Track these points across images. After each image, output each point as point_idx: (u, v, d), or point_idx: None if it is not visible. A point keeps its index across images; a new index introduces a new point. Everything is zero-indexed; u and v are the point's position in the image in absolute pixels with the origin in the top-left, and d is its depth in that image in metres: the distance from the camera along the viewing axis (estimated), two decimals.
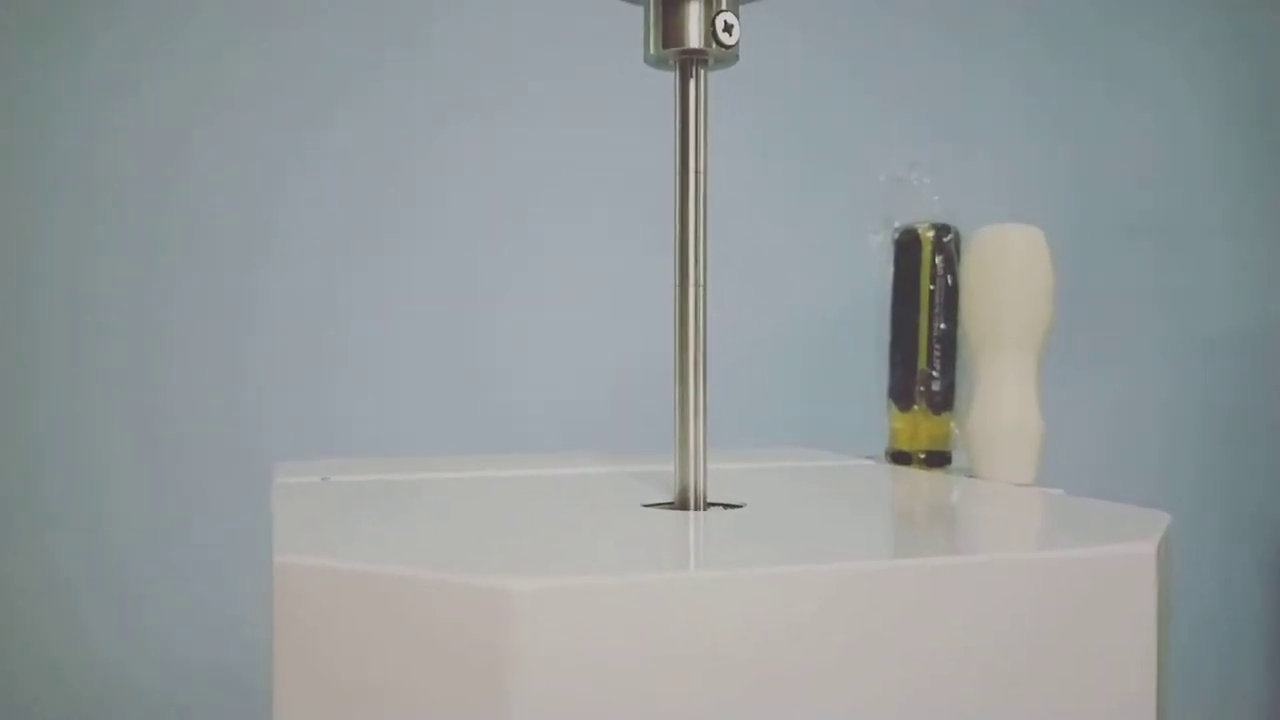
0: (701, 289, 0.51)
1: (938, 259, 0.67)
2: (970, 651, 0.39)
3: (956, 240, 0.67)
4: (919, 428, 0.68)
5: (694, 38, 0.50)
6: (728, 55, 0.51)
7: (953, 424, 0.67)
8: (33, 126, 0.96)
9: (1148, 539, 0.42)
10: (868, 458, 0.72)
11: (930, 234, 0.67)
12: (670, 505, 0.51)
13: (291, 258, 1.02)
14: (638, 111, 0.99)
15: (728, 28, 0.50)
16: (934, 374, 0.67)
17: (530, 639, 0.35)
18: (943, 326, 0.67)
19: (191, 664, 0.99)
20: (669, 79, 0.52)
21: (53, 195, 0.97)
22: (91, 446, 0.98)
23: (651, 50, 0.51)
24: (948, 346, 0.67)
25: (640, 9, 0.51)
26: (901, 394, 0.69)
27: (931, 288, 0.67)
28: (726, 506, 0.51)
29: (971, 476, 0.63)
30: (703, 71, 0.51)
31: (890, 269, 0.69)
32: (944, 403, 0.67)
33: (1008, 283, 0.62)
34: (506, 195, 1.07)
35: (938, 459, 0.68)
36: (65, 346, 0.97)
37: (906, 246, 0.68)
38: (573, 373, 1.09)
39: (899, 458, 0.69)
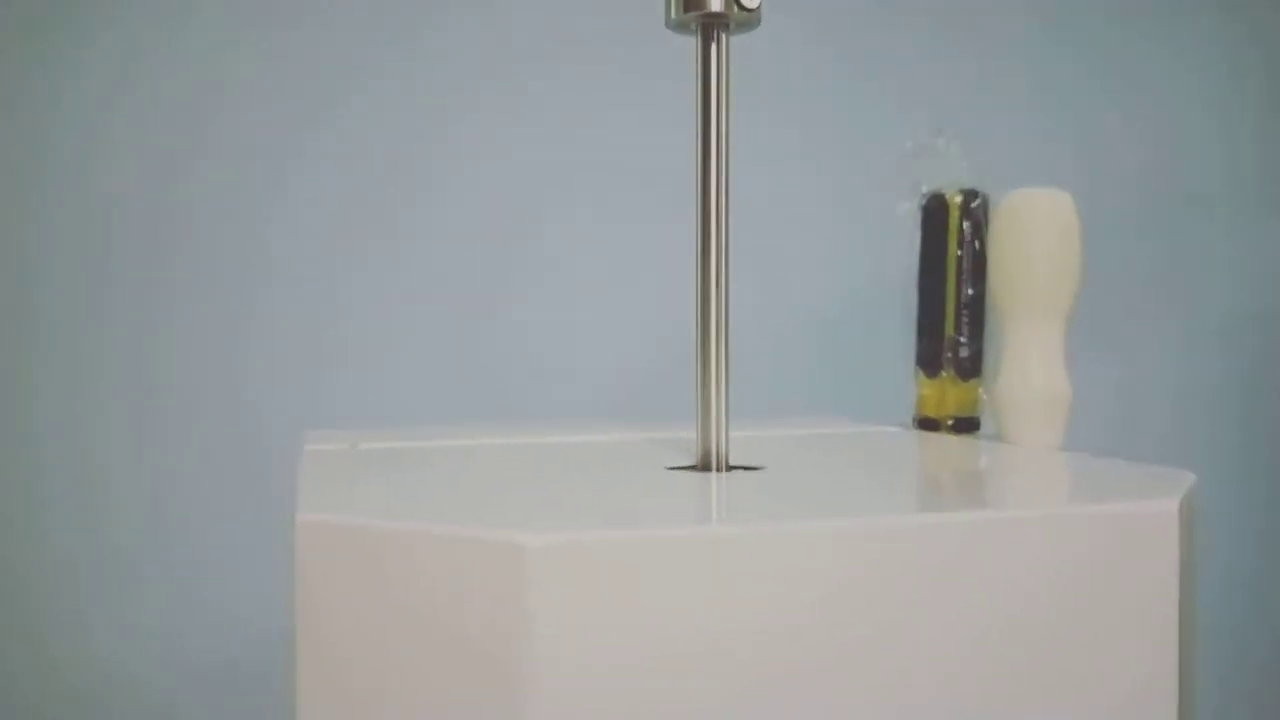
0: (724, 253, 0.51)
1: (965, 224, 0.67)
2: (996, 607, 0.39)
3: (984, 205, 0.66)
4: (947, 394, 0.68)
5: (716, 1, 0.50)
6: (749, 19, 0.50)
7: (981, 390, 0.67)
8: (33, 126, 0.97)
9: (1171, 496, 0.42)
10: (895, 425, 0.72)
11: (958, 199, 0.67)
12: (692, 468, 0.51)
13: (292, 257, 1.02)
14: (651, 89, 0.99)
15: None
16: (962, 340, 0.67)
17: (544, 594, 0.35)
18: (970, 292, 0.66)
19: (194, 661, 0.99)
20: (677, 64, 0.52)
21: (53, 194, 0.97)
22: (92, 441, 0.98)
23: (673, 14, 0.51)
24: (975, 312, 0.67)
25: None
26: (929, 360, 0.68)
27: (959, 253, 0.67)
28: (749, 469, 0.51)
29: (999, 442, 0.63)
30: (724, 35, 0.51)
31: (918, 235, 0.69)
32: (972, 369, 0.67)
33: (1036, 248, 0.61)
34: (517, 180, 1.07)
35: (966, 425, 0.67)
36: (66, 343, 0.98)
37: (934, 212, 0.68)
38: (596, 351, 1.08)
39: (927, 424, 0.69)
